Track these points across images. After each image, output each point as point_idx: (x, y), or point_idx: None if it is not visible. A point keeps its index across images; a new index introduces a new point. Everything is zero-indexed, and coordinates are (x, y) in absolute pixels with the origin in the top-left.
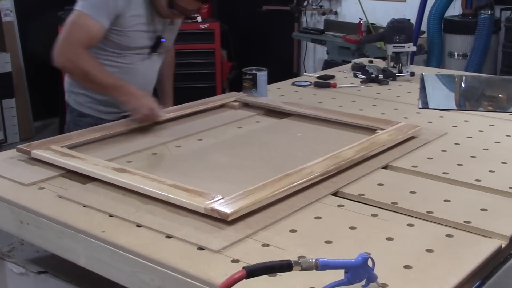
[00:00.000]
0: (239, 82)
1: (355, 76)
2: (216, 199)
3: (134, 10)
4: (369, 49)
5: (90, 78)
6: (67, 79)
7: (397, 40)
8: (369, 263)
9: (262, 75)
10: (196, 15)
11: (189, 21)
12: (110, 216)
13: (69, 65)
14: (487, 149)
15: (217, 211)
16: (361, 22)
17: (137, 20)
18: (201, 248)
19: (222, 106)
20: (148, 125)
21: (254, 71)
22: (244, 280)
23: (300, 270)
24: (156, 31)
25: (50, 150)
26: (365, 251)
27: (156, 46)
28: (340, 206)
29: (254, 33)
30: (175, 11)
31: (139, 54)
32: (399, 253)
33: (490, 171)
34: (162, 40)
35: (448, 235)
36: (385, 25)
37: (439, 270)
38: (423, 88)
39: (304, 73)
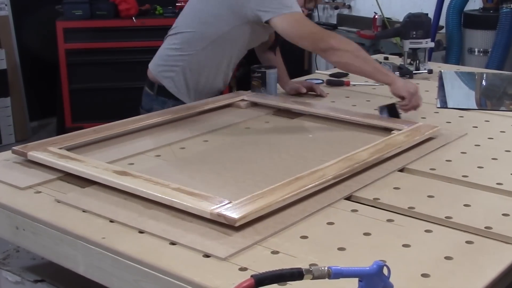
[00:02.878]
0: (247, 80)
1: None
2: (222, 203)
3: None
4: (385, 45)
5: (363, 54)
6: (164, 65)
7: (414, 36)
8: (385, 271)
9: (271, 73)
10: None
11: None
12: (111, 221)
13: (344, 44)
14: (509, 151)
15: (224, 217)
16: (376, 16)
17: None
18: (207, 256)
19: (229, 105)
20: (150, 126)
21: (263, 69)
22: None
23: (311, 279)
24: None
25: (47, 151)
26: (380, 258)
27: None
28: (354, 211)
29: None
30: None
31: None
32: (416, 260)
33: None
34: None
35: (468, 242)
36: (401, 19)
37: (458, 278)
38: (441, 86)
39: (316, 71)
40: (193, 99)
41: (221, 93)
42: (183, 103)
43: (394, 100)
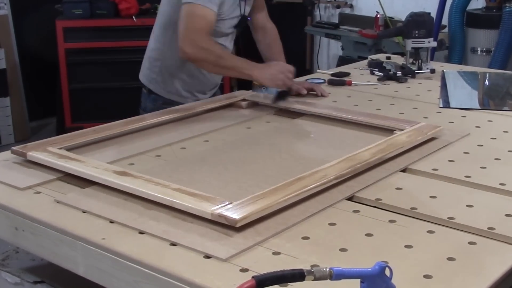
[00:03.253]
0: (248, 80)
1: (372, 73)
2: (223, 204)
3: None
4: (387, 44)
5: (223, 62)
6: (147, 68)
7: (416, 35)
8: (387, 272)
9: None
10: None
11: None
12: (111, 222)
13: (202, 53)
14: None
15: (225, 217)
16: (378, 15)
17: (234, 5)
18: (207, 257)
19: (230, 105)
20: (150, 126)
21: None
22: None
23: (313, 280)
24: (244, 11)
25: (47, 152)
26: (382, 259)
27: (240, 24)
28: (356, 211)
29: None
30: None
31: (228, 35)
32: (419, 261)
33: None
34: (248, 19)
35: (471, 243)
36: (403, 18)
37: (461, 279)
38: (444, 86)
39: (318, 70)
40: (186, 97)
41: (220, 87)
42: (173, 100)
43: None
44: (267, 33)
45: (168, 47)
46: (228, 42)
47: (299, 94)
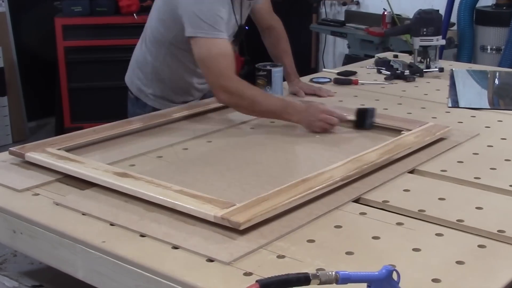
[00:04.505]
0: (252, 78)
1: (379, 72)
2: (226, 206)
3: (225, 7)
4: (394, 42)
5: (258, 106)
6: (134, 73)
7: (424, 33)
8: (394, 276)
9: (277, 71)
10: None
11: None
12: (111, 225)
13: (233, 99)
14: None
15: (228, 220)
16: (385, 13)
17: (229, 19)
18: (210, 260)
19: None
20: (152, 126)
21: (268, 67)
22: None
23: (318, 284)
24: (241, 19)
25: (45, 152)
26: (390, 263)
27: (238, 34)
28: (362, 214)
29: None
30: None
31: None
32: (427, 265)
33: None
34: (246, 28)
35: (481, 246)
36: (411, 16)
37: (470, 284)
38: (453, 85)
39: (323, 69)
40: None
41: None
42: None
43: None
44: (272, 32)
45: (162, 62)
46: None
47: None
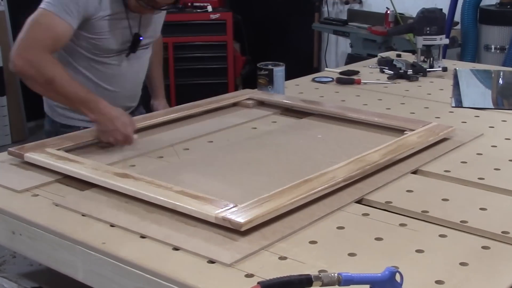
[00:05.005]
0: (254, 78)
1: (382, 71)
2: (228, 207)
3: (105, 10)
4: (397, 41)
5: (54, 87)
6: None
7: (428, 32)
8: (397, 278)
9: (279, 71)
10: (167, 8)
11: (198, 10)
12: (111, 226)
13: (30, 70)
14: None
15: (229, 221)
16: (388, 12)
17: (109, 21)
18: (211, 261)
19: (234, 104)
20: (152, 126)
21: (270, 66)
22: None
23: (321, 286)
24: (132, 29)
25: (45, 153)
26: (393, 264)
27: (134, 45)
28: (365, 215)
29: (270, 24)
30: (143, 3)
31: (116, 56)
32: (430, 266)
33: None
34: (140, 38)
35: (484, 247)
36: (414, 15)
37: (474, 285)
38: (456, 85)
39: (325, 68)
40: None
41: (223, 86)
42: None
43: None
44: (154, 44)
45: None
46: (117, 64)
47: None
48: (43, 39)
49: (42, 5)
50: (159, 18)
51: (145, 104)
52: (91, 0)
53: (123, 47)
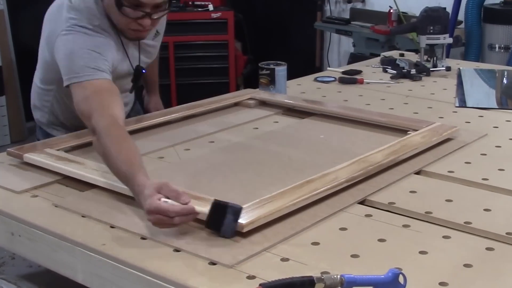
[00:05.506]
0: (255, 77)
1: (385, 71)
2: None
3: (110, 51)
4: (400, 41)
5: (105, 161)
6: (35, 90)
7: (431, 31)
8: (400, 279)
9: (280, 70)
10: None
11: (199, 9)
12: (112, 227)
13: (97, 143)
14: None
15: None
16: (391, 10)
17: (119, 58)
18: (212, 263)
19: (236, 104)
20: (152, 126)
21: (272, 66)
22: None
23: None
24: (131, 60)
25: (44, 153)
26: (396, 266)
27: (137, 78)
28: (368, 216)
29: (272, 23)
30: (130, 9)
31: (127, 91)
32: (434, 268)
33: None
34: (143, 71)
35: (489, 249)
36: (417, 14)
37: (478, 287)
38: (460, 85)
39: (328, 68)
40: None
41: (224, 85)
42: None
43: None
44: None
45: (54, 101)
46: (130, 98)
47: None
48: (96, 106)
49: (73, 80)
50: (157, 45)
51: (142, 101)
52: (102, 45)
53: (125, 88)
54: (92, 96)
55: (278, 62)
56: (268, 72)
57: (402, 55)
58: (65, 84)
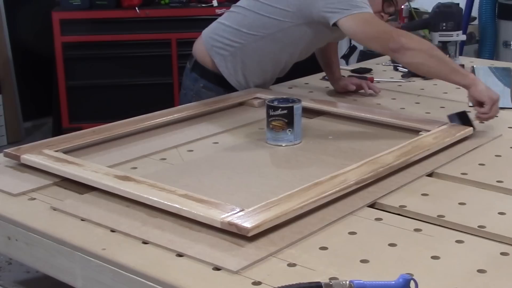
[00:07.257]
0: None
1: (396, 69)
2: (234, 211)
3: None
4: None
5: (436, 53)
6: (211, 35)
7: (444, 28)
8: (412, 285)
9: (298, 108)
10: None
11: (203, 5)
12: (112, 231)
13: (415, 42)
14: None
15: (236, 226)
16: (403, 6)
17: None
18: (217, 268)
19: (241, 104)
20: (155, 127)
21: (289, 103)
22: None
23: None
24: None
25: (42, 154)
26: (407, 271)
27: None
28: (378, 219)
29: None
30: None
31: None
32: (446, 274)
33: None
34: None
35: (503, 253)
36: (430, 10)
37: None
38: None
39: None
40: (238, 85)
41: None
42: (214, 85)
43: (464, 106)
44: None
45: (259, 42)
46: None
47: (346, 91)
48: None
49: (355, 11)
50: None
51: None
52: None
53: None
54: (379, 21)
55: (291, 98)
56: (285, 112)
57: None
58: (335, 19)
